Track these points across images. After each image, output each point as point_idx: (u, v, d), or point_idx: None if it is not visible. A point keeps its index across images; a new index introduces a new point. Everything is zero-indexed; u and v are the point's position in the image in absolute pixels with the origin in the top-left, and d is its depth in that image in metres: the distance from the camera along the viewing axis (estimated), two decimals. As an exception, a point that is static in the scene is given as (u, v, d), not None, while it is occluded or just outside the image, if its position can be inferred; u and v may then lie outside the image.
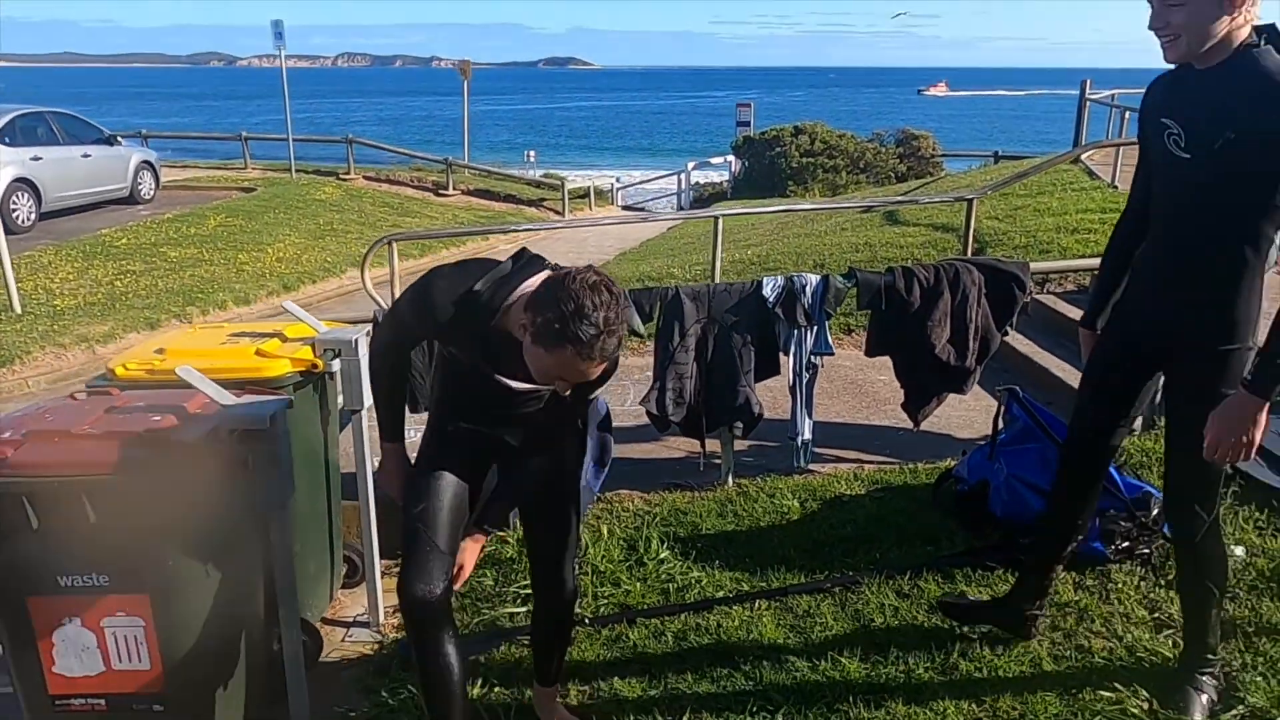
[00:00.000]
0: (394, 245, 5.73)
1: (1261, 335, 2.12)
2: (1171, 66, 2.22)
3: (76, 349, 6.92)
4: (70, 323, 7.41)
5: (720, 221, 5.65)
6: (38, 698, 2.53)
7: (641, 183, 27.12)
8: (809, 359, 4.00)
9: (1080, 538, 2.76)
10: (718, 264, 5.85)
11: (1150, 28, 2.14)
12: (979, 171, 18.01)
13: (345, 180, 17.49)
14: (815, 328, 3.95)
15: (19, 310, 7.58)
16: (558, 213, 18.40)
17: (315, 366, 3.21)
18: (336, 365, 3.29)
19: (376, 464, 2.40)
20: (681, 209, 22.17)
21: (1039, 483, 3.35)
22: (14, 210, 11.42)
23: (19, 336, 6.96)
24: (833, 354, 4.19)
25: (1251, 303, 2.19)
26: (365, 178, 18.34)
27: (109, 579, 2.43)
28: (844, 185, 21.58)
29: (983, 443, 3.83)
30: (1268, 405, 2.07)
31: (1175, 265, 2.23)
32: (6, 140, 11.53)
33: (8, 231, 10.73)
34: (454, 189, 18.68)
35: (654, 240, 15.07)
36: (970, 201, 6.62)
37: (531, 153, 25.28)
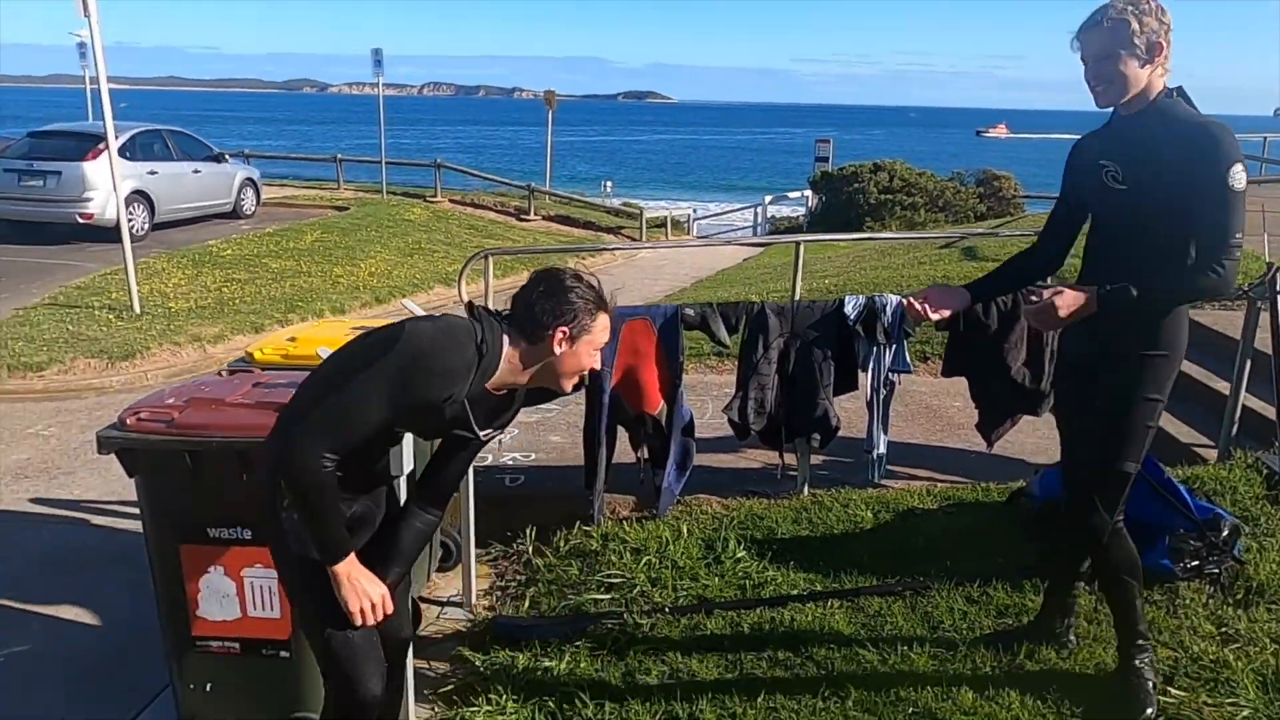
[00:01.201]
0: (490, 260, 6.01)
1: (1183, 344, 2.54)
2: (1093, 128, 2.67)
3: (190, 347, 7.43)
4: (184, 324, 7.95)
5: (801, 247, 5.83)
6: (181, 637, 2.83)
7: (718, 215, 27.42)
8: (886, 375, 4.16)
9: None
10: (797, 288, 6.03)
11: (1086, 78, 2.51)
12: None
13: (433, 203, 18.15)
14: (894, 345, 4.12)
15: (138, 310, 8.16)
16: (635, 240, 18.76)
17: (429, 359, 3.50)
18: None
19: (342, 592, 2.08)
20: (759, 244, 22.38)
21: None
22: (130, 220, 12.18)
23: (139, 334, 7.51)
24: (910, 371, 4.34)
25: (1178, 315, 2.52)
26: (451, 200, 19.00)
27: (251, 533, 2.72)
28: (922, 223, 21.53)
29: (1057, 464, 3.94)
30: (1083, 303, 2.42)
31: (1113, 282, 2.46)
32: (127, 155, 12.32)
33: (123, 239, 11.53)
34: (535, 214, 19.22)
35: (729, 270, 15.30)
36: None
37: (609, 183, 25.79)
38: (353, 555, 2.07)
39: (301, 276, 10.43)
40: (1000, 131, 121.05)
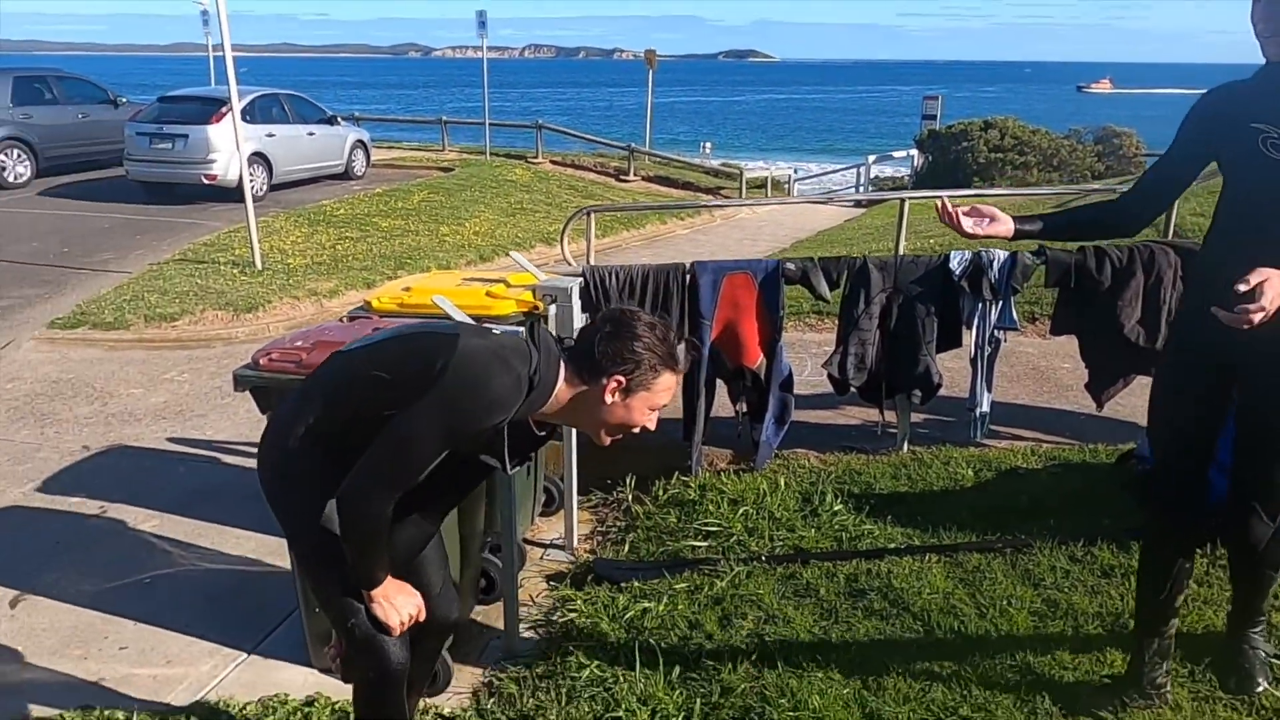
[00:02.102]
0: (592, 217, 6.10)
1: None
2: (1227, 80, 2.29)
3: (307, 301, 7.80)
4: (301, 279, 8.34)
5: (906, 204, 5.72)
6: (308, 565, 3.04)
7: (819, 175, 26.94)
8: (992, 333, 4.10)
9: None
10: (901, 244, 5.94)
11: (1254, 21, 2.14)
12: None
13: (534, 164, 18.37)
14: (1000, 302, 4.04)
15: (260, 266, 8.60)
16: (710, 209, 18.60)
17: (536, 309, 3.62)
18: (553, 310, 3.68)
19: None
20: (859, 204, 21.92)
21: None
22: (250, 181, 12.75)
23: (261, 288, 7.92)
24: (1017, 329, 4.26)
25: None
26: (552, 162, 19.19)
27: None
28: (1034, 183, 20.69)
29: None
30: None
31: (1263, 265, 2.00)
32: (247, 118, 12.84)
33: (242, 199, 12.11)
34: (634, 175, 19.25)
35: (830, 230, 15.06)
36: (1173, 193, 6.37)
37: (707, 144, 25.56)
38: (390, 578, 2.03)
39: (410, 235, 10.76)
40: (1104, 86, 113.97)
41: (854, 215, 18.60)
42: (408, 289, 3.76)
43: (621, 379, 1.93)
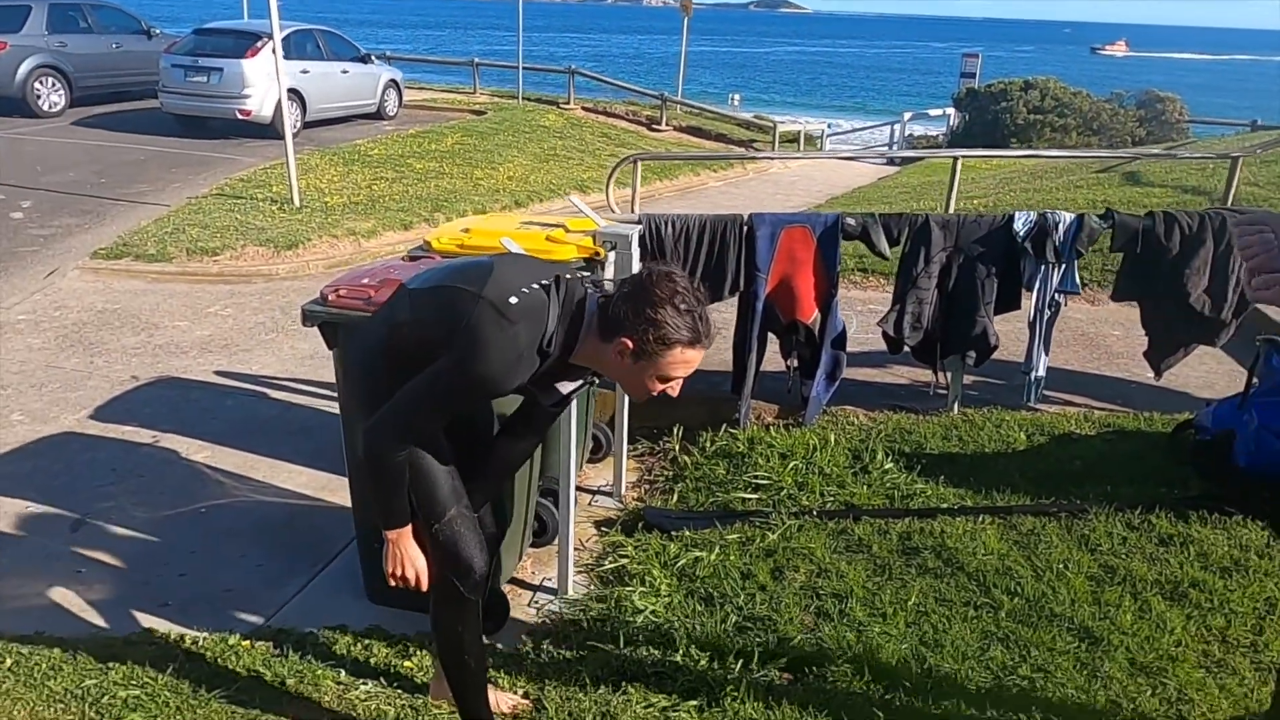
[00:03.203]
0: (639, 165, 6.01)
1: None
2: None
3: (346, 240, 7.78)
4: (339, 218, 8.32)
5: (959, 163, 5.62)
6: (368, 501, 3.06)
7: (852, 131, 26.53)
8: (1053, 296, 4.04)
9: None
10: (952, 205, 5.85)
11: None
12: (1234, 139, 16.51)
13: (566, 109, 18.15)
14: (1063, 265, 3.98)
15: (298, 204, 8.57)
16: (750, 160, 18.36)
17: (596, 255, 3.59)
18: (612, 257, 3.65)
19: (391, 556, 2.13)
20: (892, 162, 21.60)
21: (1293, 438, 3.30)
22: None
23: (300, 225, 7.91)
24: (1078, 292, 4.20)
25: None
26: (584, 108, 18.95)
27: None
28: (1073, 147, 20.29)
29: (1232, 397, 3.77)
30: None
31: None
32: (283, 54, 12.74)
33: (279, 136, 12.02)
34: (666, 124, 18.99)
35: (865, 189, 14.84)
36: (1235, 160, 6.24)
37: (736, 96, 25.12)
38: (408, 527, 2.10)
39: (444, 178, 10.69)
40: (1119, 49, 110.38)
41: (888, 174, 18.33)
42: (467, 230, 3.73)
43: (629, 343, 1.85)
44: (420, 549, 2.13)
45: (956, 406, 4.35)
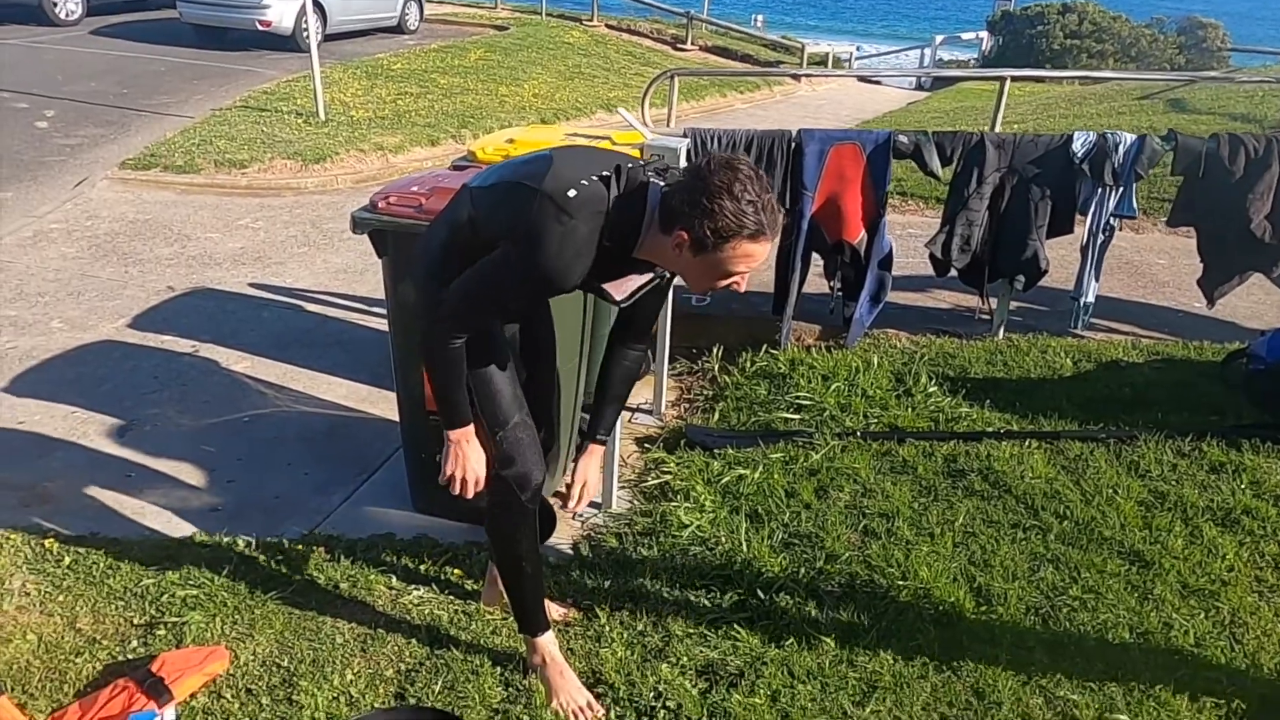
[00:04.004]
0: (675, 81, 5.86)
1: None
2: None
3: (374, 155, 7.68)
4: (366, 132, 8.19)
5: (1006, 84, 5.44)
6: (415, 411, 3.05)
7: (880, 55, 25.82)
8: (1108, 220, 3.94)
9: None
10: (998, 126, 5.69)
11: None
12: (1277, 68, 15.98)
13: (589, 26, 17.71)
14: (1120, 188, 3.87)
15: (323, 117, 8.44)
16: (794, 78, 17.94)
17: (644, 168, 3.50)
18: (683, 153, 3.55)
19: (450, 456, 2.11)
20: (921, 87, 21.05)
21: (1352, 367, 3.24)
22: (304, 31, 12.41)
23: (327, 139, 7.80)
24: (1135, 216, 4.09)
25: None
26: (607, 25, 18.48)
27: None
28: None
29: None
30: None
31: None
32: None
33: (299, 49, 11.79)
34: (692, 44, 18.52)
35: (895, 113, 14.51)
36: (1292, 85, 6.02)
37: (759, 17, 24.40)
38: (470, 428, 2.07)
39: (469, 94, 10.50)
40: None
41: (917, 98, 17.91)
42: (511, 140, 3.64)
43: (685, 235, 1.74)
44: (482, 451, 2.12)
45: (1002, 332, 4.29)
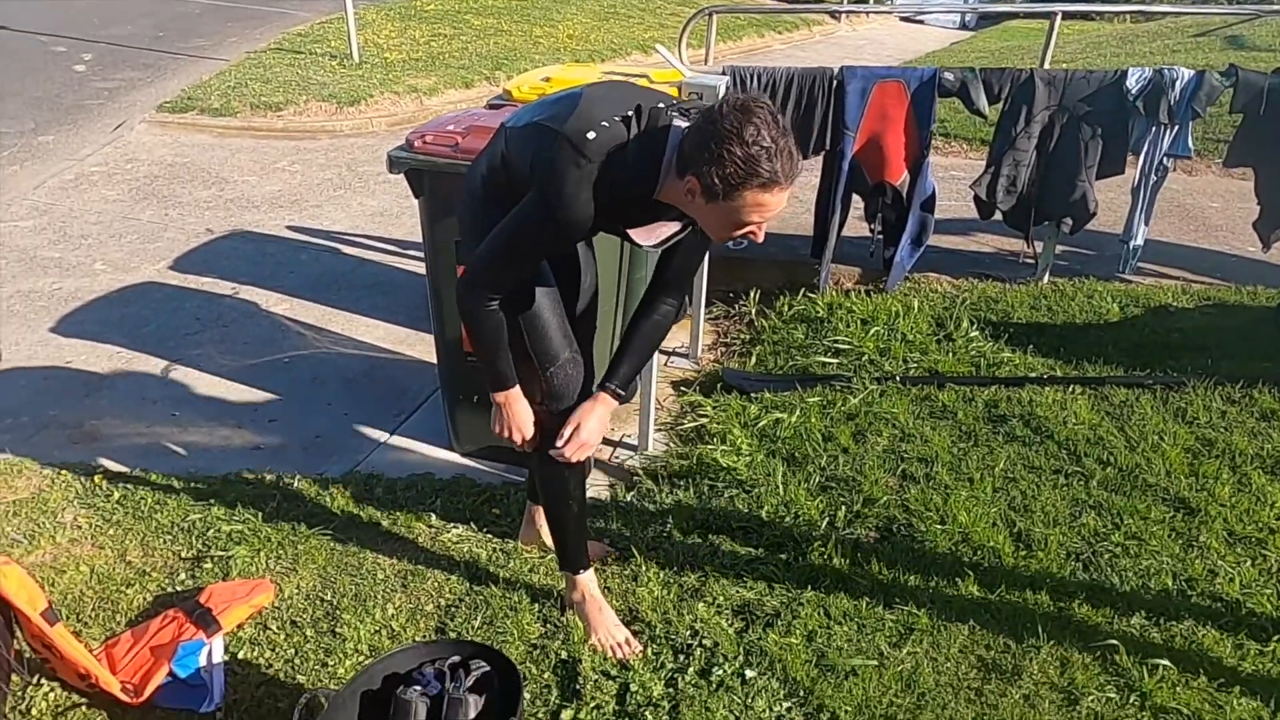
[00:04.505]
0: (714, 18, 5.70)
1: None
2: None
3: (408, 97, 7.62)
4: (400, 74, 8.13)
5: (1057, 20, 5.24)
6: (453, 353, 3.06)
7: (923, -8, 24.98)
8: (1161, 160, 3.81)
9: None
10: (1047, 64, 5.49)
11: None
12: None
13: (625, -35, 17.34)
14: (1176, 127, 3.73)
15: (357, 59, 8.38)
16: (833, 16, 17.47)
17: (682, 106, 3.43)
18: (722, 90, 3.48)
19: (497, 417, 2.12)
20: (965, 27, 20.41)
21: None
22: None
23: (362, 82, 7.75)
24: (1191, 156, 3.96)
25: None
26: (644, -36, 18.08)
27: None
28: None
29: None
30: None
31: None
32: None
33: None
34: (730, -18, 18.08)
35: (938, 53, 14.10)
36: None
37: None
38: (516, 389, 2.06)
39: (503, 35, 10.36)
40: None
41: (960, 38, 17.40)
42: (547, 79, 3.59)
43: (695, 182, 1.66)
44: (529, 408, 2.11)
45: (1047, 276, 4.20)
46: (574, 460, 2.11)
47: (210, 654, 2.13)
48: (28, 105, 7.00)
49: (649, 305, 2.11)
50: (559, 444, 2.09)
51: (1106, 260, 4.36)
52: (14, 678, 2.01)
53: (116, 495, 2.79)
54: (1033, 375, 3.47)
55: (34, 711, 2.05)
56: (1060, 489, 2.85)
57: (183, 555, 2.56)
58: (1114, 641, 2.22)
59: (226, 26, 10.11)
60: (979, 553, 2.57)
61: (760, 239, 1.77)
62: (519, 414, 2.10)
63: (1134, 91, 3.69)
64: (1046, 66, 4.74)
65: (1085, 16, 14.93)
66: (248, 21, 10.37)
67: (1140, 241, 4.04)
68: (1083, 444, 3.05)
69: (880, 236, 4.18)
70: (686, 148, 1.68)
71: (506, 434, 2.12)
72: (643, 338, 2.12)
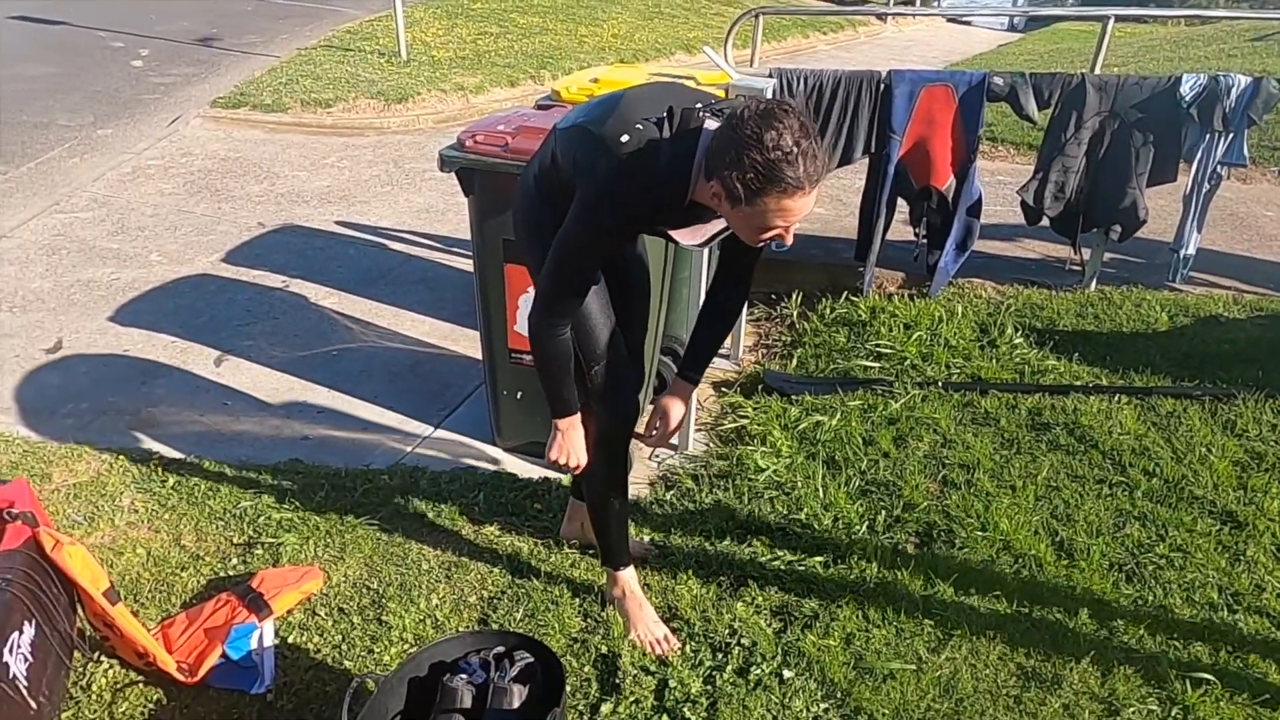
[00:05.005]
0: (760, 20, 5.71)
1: None
2: None
3: (454, 95, 7.71)
4: (447, 72, 8.22)
5: (1110, 23, 5.17)
6: (499, 349, 3.11)
7: (970, -7, 24.70)
8: (1215, 168, 3.75)
9: None
10: (1098, 69, 5.42)
11: None
12: None
13: (670, -35, 17.35)
14: (1231, 134, 3.68)
15: (405, 57, 8.49)
16: (879, 17, 17.35)
17: (729, 108, 3.45)
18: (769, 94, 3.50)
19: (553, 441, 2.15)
20: (1014, 29, 20.15)
21: None
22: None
23: (409, 79, 7.85)
24: (1245, 164, 3.89)
25: None
26: (689, -36, 18.08)
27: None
28: (1224, 6, 18.55)
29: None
30: None
31: None
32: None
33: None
34: (775, -18, 18.03)
35: (986, 55, 13.94)
36: None
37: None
38: (576, 416, 2.11)
39: (548, 34, 10.43)
40: None
41: (1009, 40, 17.19)
42: (595, 80, 3.62)
43: (719, 187, 1.66)
44: (585, 435, 2.15)
45: (1094, 283, 4.15)
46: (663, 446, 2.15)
47: (261, 637, 2.19)
48: (88, 99, 7.19)
49: (717, 294, 2.17)
50: (654, 439, 2.20)
51: (1156, 269, 4.30)
52: (76, 654, 2.08)
53: (171, 481, 2.88)
54: (1078, 384, 3.44)
55: (94, 687, 2.12)
56: (1104, 499, 2.83)
57: (234, 541, 2.63)
58: (1157, 653, 2.21)
59: (278, 24, 10.30)
60: (1020, 561, 2.57)
61: (789, 242, 1.76)
62: (575, 440, 2.14)
63: (1188, 98, 3.64)
64: (1098, 71, 4.68)
65: (1139, 20, 14.67)
66: (299, 19, 10.54)
67: (1192, 250, 3.98)
68: (1128, 454, 3.02)
69: (925, 241, 4.16)
70: (712, 152, 1.69)
71: (563, 459, 2.15)
72: (710, 324, 2.18)
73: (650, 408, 2.34)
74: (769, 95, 3.48)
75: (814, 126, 1.65)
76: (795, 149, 1.58)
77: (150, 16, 10.10)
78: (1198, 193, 3.82)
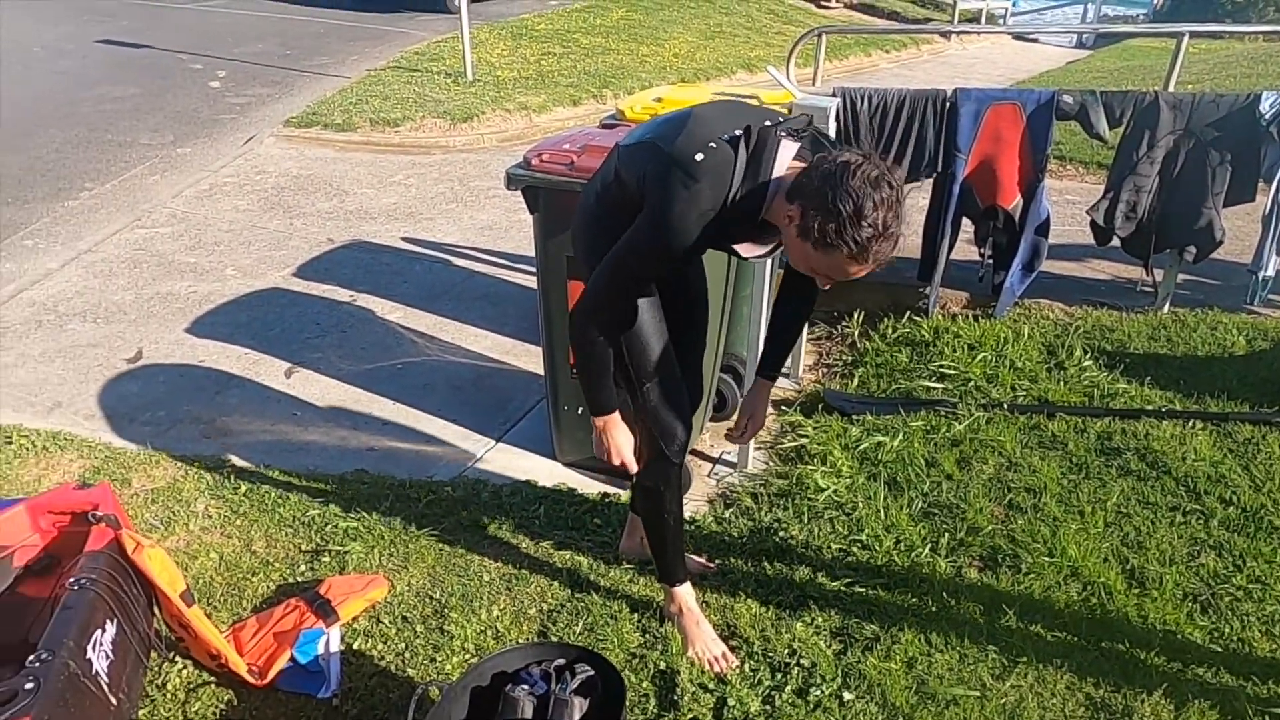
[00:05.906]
0: (823, 38, 5.70)
1: None
2: None
3: (518, 115, 7.84)
4: (511, 92, 8.37)
5: (1185, 39, 5.06)
6: (561, 364, 3.14)
7: (1037, 11, 24.35)
8: (1296, 188, 3.64)
9: None
10: (1172, 86, 5.30)
11: None
12: None
13: (732, -16, 17.43)
14: (1314, 154, 3.57)
15: (470, 77, 8.66)
16: (944, 35, 17.17)
17: (792, 127, 3.46)
18: (832, 117, 3.50)
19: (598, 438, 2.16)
20: (1083, 45, 19.77)
21: None
22: (453, -9, 12.70)
23: (474, 99, 8.01)
24: (1329, 185, 3.76)
25: None
26: (750, -17, 18.14)
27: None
28: (1300, 27, 18.00)
29: None
30: None
31: None
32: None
33: (449, 10, 12.12)
34: (835, 1, 17.99)
35: (1054, 72, 13.70)
36: None
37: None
38: (615, 415, 2.11)
39: (611, 54, 10.54)
40: None
41: (1077, 57, 16.87)
42: (659, 99, 3.67)
43: (798, 214, 1.69)
44: (629, 433, 2.16)
45: (1167, 305, 4.04)
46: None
47: (328, 643, 2.24)
48: (168, 119, 7.48)
49: (788, 298, 2.22)
50: (741, 436, 2.29)
51: (1233, 291, 4.18)
52: (153, 654, 2.15)
53: (243, 488, 2.96)
54: (1150, 408, 3.35)
55: (169, 686, 2.19)
56: (1177, 527, 2.75)
57: (303, 548, 2.70)
58: (1234, 688, 2.14)
59: (349, 45, 10.59)
60: (1088, 588, 2.50)
61: (827, 288, 1.88)
62: (618, 439, 2.14)
63: (1268, 116, 3.54)
64: (1171, 88, 4.58)
65: (1214, 35, 14.29)
66: (368, 41, 10.83)
67: (1270, 273, 3.85)
68: (1203, 481, 2.94)
69: (990, 261, 4.10)
70: (808, 180, 1.70)
71: (607, 458, 2.17)
72: (783, 325, 2.25)
73: (709, 426, 2.35)
74: (832, 114, 3.48)
75: (904, 208, 1.68)
76: (884, 229, 1.63)
77: (228, 39, 10.48)
78: (1277, 213, 3.71)
